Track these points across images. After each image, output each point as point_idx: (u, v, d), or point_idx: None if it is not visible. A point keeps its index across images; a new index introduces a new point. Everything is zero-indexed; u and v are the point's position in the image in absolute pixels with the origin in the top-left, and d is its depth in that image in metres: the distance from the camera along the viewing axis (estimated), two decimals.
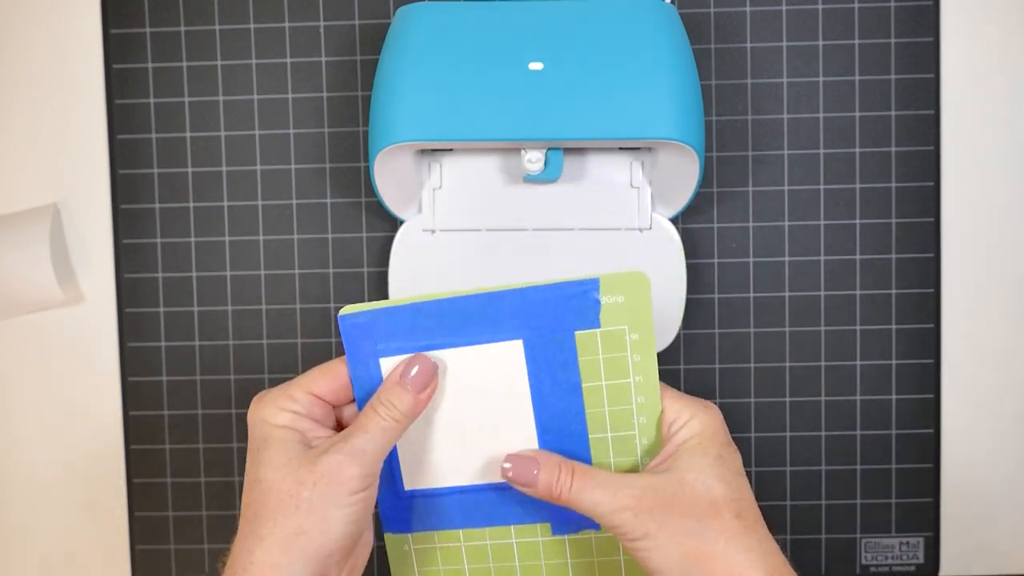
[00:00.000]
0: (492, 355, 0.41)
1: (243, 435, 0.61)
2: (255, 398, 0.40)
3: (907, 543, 0.61)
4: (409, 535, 0.44)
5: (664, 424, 0.41)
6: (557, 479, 0.38)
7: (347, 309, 0.42)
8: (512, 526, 0.43)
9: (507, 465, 0.40)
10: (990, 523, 0.61)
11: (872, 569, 0.61)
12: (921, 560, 0.61)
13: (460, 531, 0.43)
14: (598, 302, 0.41)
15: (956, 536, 0.61)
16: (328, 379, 0.40)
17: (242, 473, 0.61)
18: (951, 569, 0.61)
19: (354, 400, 0.43)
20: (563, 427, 0.42)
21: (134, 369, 0.62)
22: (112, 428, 0.62)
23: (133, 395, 0.62)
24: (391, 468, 0.43)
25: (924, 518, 0.61)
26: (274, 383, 0.60)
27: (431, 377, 0.39)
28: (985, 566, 0.62)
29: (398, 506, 0.43)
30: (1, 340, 0.63)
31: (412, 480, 0.43)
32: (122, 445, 0.62)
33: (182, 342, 0.62)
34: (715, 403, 0.46)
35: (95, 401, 0.62)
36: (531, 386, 0.42)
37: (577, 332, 0.41)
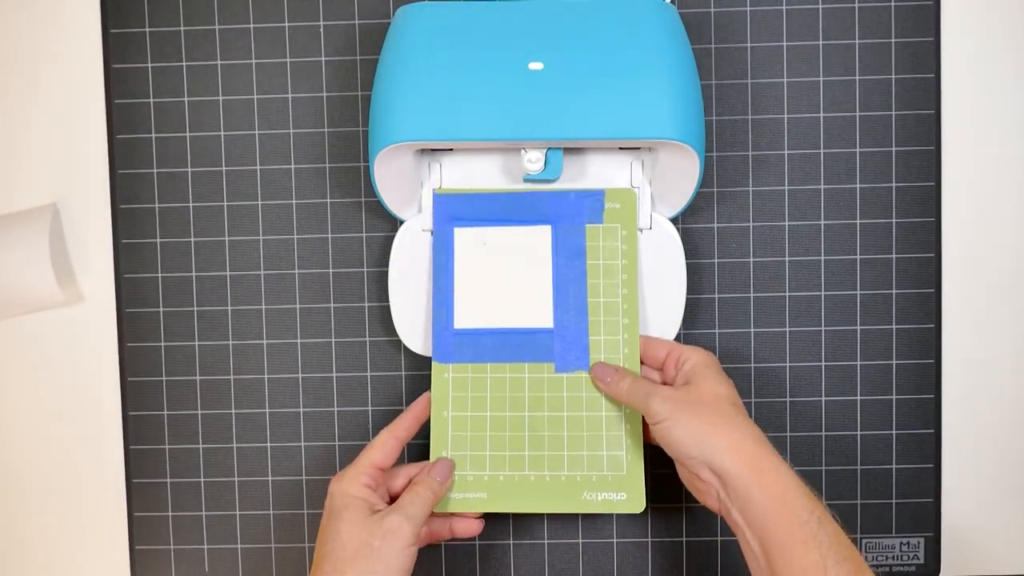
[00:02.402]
0: (529, 233, 0.57)
1: (243, 436, 0.61)
2: (336, 476, 0.54)
3: (907, 543, 0.61)
4: (450, 365, 0.57)
5: (673, 360, 0.55)
6: (620, 381, 0.55)
7: (440, 190, 0.58)
8: (527, 363, 0.57)
9: (597, 371, 0.56)
10: (990, 523, 0.61)
11: (872, 569, 0.61)
12: (921, 560, 0.61)
13: (488, 364, 0.57)
14: (603, 205, 0.57)
15: (956, 536, 0.61)
16: (381, 452, 0.54)
17: (241, 473, 0.61)
18: (951, 569, 0.61)
19: (400, 463, 0.57)
20: (570, 289, 0.57)
21: (134, 369, 0.62)
22: (112, 428, 0.62)
23: (133, 395, 0.62)
24: (448, 309, 0.57)
25: (924, 518, 0.61)
26: (273, 384, 0.61)
27: (448, 474, 0.55)
28: (985, 566, 0.62)
29: (447, 341, 0.57)
30: (1, 340, 0.63)
31: (461, 320, 0.57)
32: (122, 445, 0.62)
33: (182, 342, 0.61)
34: None
35: (95, 401, 0.62)
36: (552, 257, 0.57)
37: (587, 224, 0.57)
